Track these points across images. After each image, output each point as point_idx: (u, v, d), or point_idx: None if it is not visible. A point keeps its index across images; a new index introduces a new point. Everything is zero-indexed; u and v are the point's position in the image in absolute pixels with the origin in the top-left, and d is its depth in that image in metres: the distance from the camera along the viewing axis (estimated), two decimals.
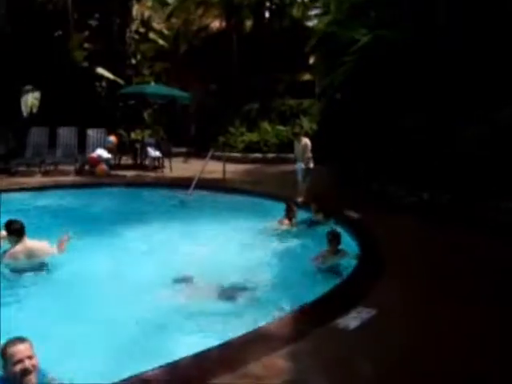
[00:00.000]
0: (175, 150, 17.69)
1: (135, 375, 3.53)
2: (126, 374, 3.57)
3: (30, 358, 3.24)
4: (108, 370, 3.88)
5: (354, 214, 9.01)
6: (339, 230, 7.29)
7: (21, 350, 3.24)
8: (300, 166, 10.69)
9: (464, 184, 8.63)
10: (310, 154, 10.59)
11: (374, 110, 11.20)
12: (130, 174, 14.59)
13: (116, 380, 3.46)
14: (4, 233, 6.51)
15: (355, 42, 11.26)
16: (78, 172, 14.16)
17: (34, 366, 3.24)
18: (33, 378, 3.23)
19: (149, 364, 3.69)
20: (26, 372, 3.20)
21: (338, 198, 10.33)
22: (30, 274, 6.14)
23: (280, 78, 20.33)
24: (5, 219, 8.40)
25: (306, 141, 10.76)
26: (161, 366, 3.64)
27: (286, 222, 8.54)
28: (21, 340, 3.31)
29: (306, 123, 17.83)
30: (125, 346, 4.45)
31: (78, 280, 6.14)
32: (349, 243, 7.23)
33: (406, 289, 5.39)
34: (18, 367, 3.19)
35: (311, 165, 10.61)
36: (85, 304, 5.36)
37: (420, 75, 10.01)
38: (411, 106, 10.15)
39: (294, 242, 7.98)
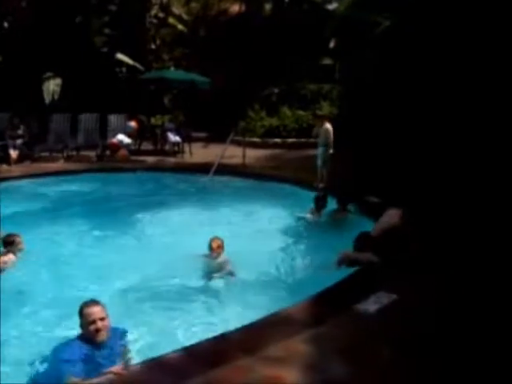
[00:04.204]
0: (195, 134, 17.70)
1: (155, 358, 3.57)
2: None
3: (102, 319, 3.75)
4: None
5: (374, 199, 8.96)
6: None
7: (95, 311, 3.76)
8: (320, 150, 10.62)
9: None
10: (331, 140, 10.50)
11: (394, 95, 11.00)
12: (150, 159, 14.64)
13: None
14: None
15: (377, 25, 11.09)
16: (100, 157, 14.27)
17: (105, 326, 3.77)
18: (104, 335, 3.75)
19: None
20: (97, 331, 3.71)
21: (356, 183, 10.24)
22: None
23: (300, 62, 20.13)
24: (27, 204, 8.62)
25: (327, 126, 10.63)
26: (181, 349, 3.68)
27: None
28: (95, 302, 3.84)
29: (326, 108, 17.68)
30: None
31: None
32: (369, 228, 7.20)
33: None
34: (92, 327, 3.71)
35: (331, 150, 10.53)
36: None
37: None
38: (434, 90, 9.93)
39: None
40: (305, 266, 6.47)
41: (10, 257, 6.10)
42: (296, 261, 6.65)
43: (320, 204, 8.47)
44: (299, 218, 8.45)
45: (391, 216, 6.59)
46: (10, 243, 6.21)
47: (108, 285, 5.58)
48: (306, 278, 6.02)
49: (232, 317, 4.67)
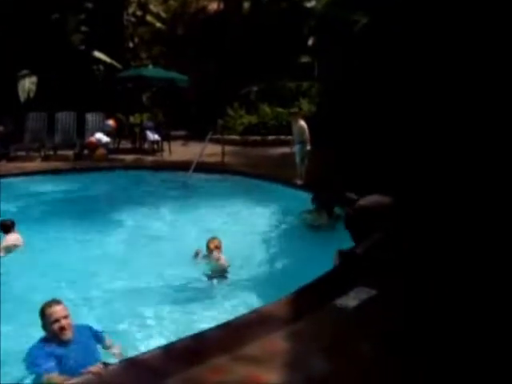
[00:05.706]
0: (174, 133, 17.59)
1: (133, 357, 3.53)
2: None
3: (65, 317, 3.77)
4: None
5: (354, 196, 8.97)
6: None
7: (57, 310, 3.76)
8: (297, 147, 10.62)
9: None
10: (306, 136, 10.50)
11: (371, 94, 11.05)
12: (128, 157, 14.52)
13: None
14: None
15: (354, 23, 11.14)
16: (77, 156, 14.10)
17: (68, 324, 3.77)
18: (69, 333, 3.76)
19: None
20: (62, 329, 3.71)
21: (336, 181, 10.23)
22: None
23: (278, 60, 20.10)
24: (5, 204, 8.48)
25: (301, 123, 10.66)
26: (158, 348, 3.65)
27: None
28: (57, 302, 3.84)
29: (305, 105, 17.71)
30: None
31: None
32: None
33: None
34: (56, 325, 3.71)
35: (308, 147, 10.52)
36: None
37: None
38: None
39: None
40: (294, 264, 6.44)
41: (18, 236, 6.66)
42: (285, 259, 6.63)
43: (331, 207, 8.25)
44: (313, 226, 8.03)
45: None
46: (10, 226, 6.75)
47: (93, 285, 5.52)
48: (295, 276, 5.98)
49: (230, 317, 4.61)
